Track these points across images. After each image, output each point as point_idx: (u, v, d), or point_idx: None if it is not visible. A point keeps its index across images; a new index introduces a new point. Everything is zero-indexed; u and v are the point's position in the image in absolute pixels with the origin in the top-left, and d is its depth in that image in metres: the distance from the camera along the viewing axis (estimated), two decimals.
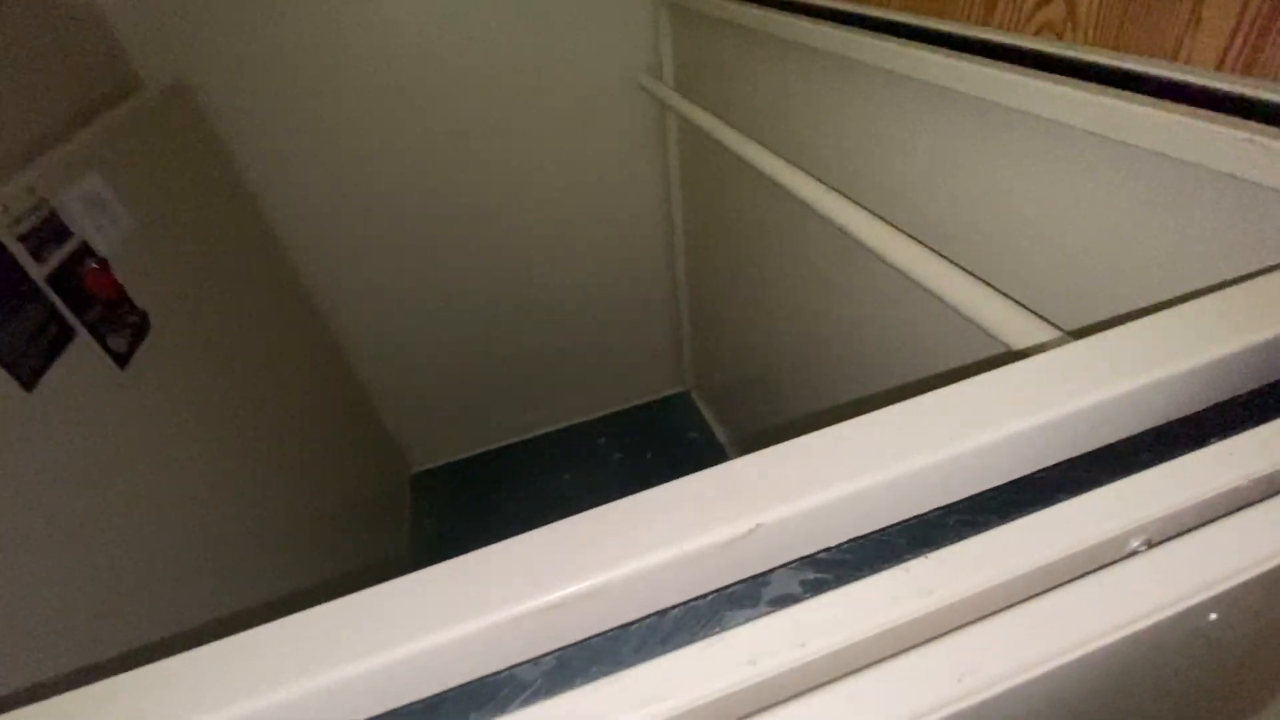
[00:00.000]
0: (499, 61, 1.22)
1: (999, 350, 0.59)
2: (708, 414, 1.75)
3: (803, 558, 0.22)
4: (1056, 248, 0.55)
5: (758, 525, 0.21)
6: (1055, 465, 0.23)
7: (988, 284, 0.59)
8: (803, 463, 0.22)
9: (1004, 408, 0.22)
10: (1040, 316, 0.53)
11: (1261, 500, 0.21)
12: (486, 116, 1.27)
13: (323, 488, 1.19)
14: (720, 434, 1.68)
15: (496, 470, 1.72)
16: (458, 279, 1.45)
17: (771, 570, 0.22)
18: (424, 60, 1.19)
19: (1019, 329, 0.50)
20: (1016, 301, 0.55)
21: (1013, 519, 0.21)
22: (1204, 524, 0.20)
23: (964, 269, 0.61)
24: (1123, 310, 0.50)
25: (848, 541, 0.22)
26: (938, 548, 0.21)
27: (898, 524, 0.23)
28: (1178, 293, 0.44)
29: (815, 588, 0.21)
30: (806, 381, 1.12)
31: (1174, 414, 0.24)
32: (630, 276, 1.60)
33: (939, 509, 0.23)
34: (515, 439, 1.78)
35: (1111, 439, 0.23)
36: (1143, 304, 0.47)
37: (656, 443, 1.73)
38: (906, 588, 0.20)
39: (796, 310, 1.08)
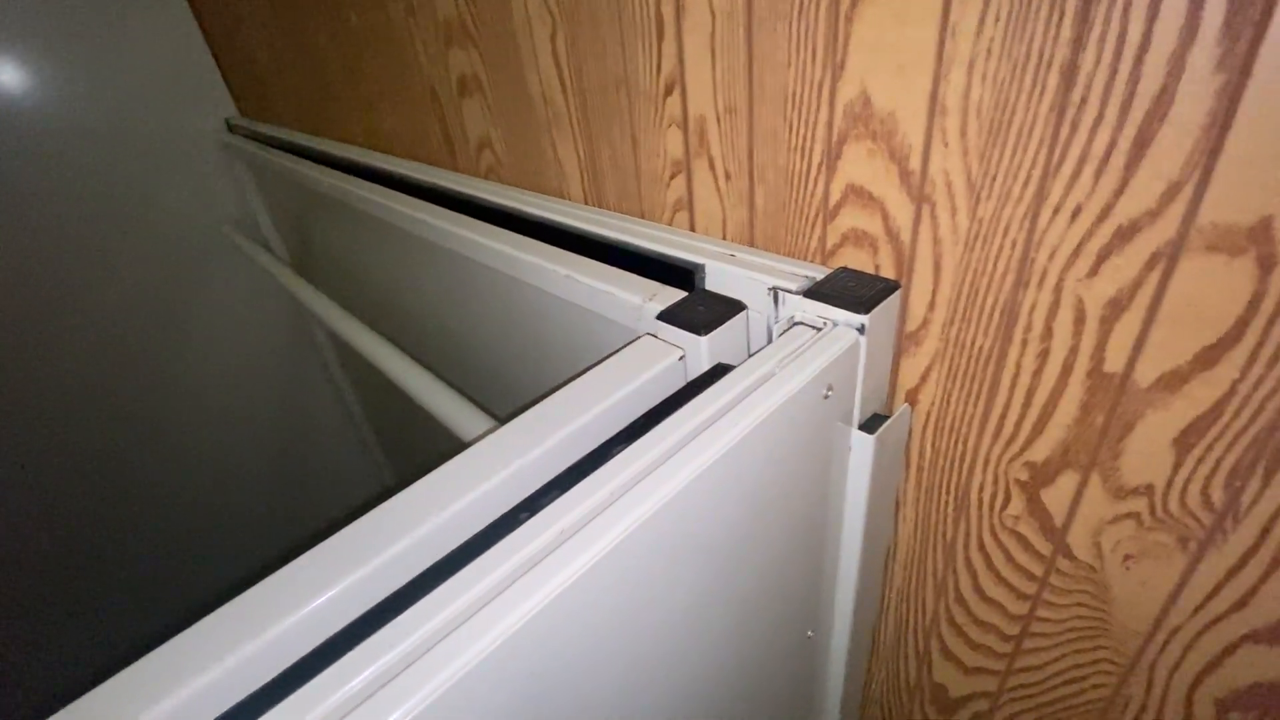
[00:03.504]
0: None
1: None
2: None
3: None
4: (519, 360, 0.66)
5: None
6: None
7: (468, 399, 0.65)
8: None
9: (445, 491, 0.31)
10: (487, 411, 0.62)
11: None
12: None
13: None
14: None
15: None
16: None
17: None
18: None
19: (469, 425, 0.60)
20: (475, 403, 0.63)
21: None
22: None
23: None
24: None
25: None
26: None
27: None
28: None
29: None
30: None
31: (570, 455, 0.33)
32: None
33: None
34: None
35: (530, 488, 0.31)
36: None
37: None
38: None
39: None
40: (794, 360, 0.34)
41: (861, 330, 0.35)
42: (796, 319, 0.38)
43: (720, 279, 0.42)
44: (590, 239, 0.50)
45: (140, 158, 1.19)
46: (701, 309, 0.39)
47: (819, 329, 0.36)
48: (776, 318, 0.40)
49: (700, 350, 0.38)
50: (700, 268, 0.43)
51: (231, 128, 1.25)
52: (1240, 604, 0.33)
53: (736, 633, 0.39)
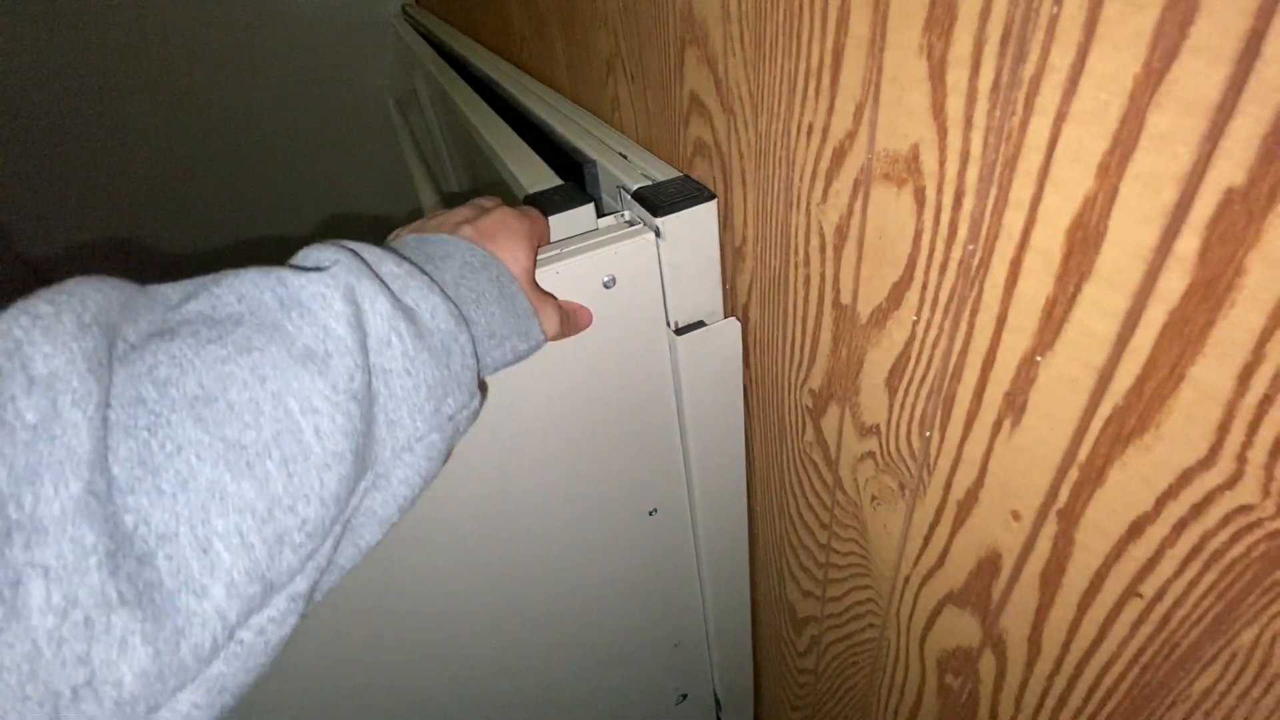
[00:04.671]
0: None
1: None
2: None
3: None
4: None
5: None
6: None
7: None
8: None
9: None
10: None
11: None
12: None
13: None
14: None
15: None
16: None
17: None
18: None
19: None
20: None
21: None
22: None
23: None
24: None
25: None
26: None
27: None
28: None
29: None
30: None
31: None
32: None
33: None
34: None
35: None
36: None
37: None
38: None
39: None
40: (579, 247, 0.38)
41: (657, 233, 0.38)
42: (625, 217, 0.41)
43: (605, 175, 0.46)
44: (533, 126, 0.56)
45: (328, 35, 1.42)
46: (557, 198, 0.44)
47: (632, 225, 0.39)
48: (621, 214, 0.43)
49: None
50: (593, 163, 0.47)
51: (407, 14, 1.42)
52: (940, 561, 0.33)
53: (567, 510, 0.46)
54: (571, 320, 0.36)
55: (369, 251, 0.26)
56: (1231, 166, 0.15)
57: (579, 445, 0.45)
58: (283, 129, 1.50)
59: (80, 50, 1.29)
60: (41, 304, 0.17)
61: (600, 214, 0.45)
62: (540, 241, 0.36)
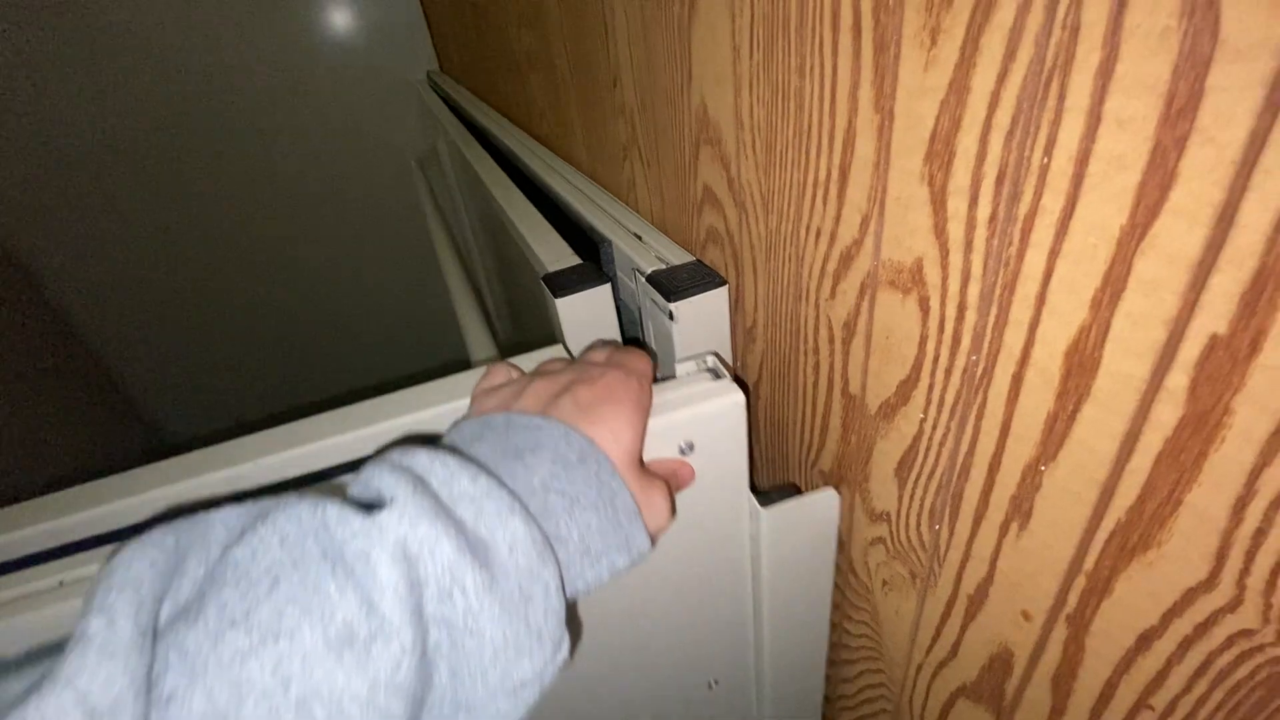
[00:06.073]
0: None
1: None
2: None
3: None
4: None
5: None
6: None
7: None
8: None
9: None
10: None
11: None
12: None
13: None
14: None
15: None
16: None
17: None
18: None
19: None
20: None
21: None
22: None
23: None
24: None
25: None
26: None
27: None
28: None
29: None
30: None
31: None
32: None
33: None
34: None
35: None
36: None
37: None
38: None
39: None
40: (655, 404, 0.32)
41: (670, 316, 0.39)
42: (707, 364, 0.36)
43: (620, 255, 0.48)
44: (549, 199, 0.58)
45: (360, 97, 1.49)
46: (574, 277, 0.46)
47: (715, 376, 0.34)
48: (636, 294, 0.44)
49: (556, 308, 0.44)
50: (609, 243, 0.49)
51: (431, 80, 1.49)
52: (953, 652, 0.33)
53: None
54: (675, 486, 0.32)
55: (441, 465, 0.23)
56: (1214, 316, 0.17)
57: (636, 614, 0.40)
58: (310, 189, 1.56)
59: (116, 103, 1.36)
60: (93, 620, 0.17)
61: (616, 293, 0.47)
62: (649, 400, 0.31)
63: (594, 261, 0.49)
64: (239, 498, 0.23)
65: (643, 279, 0.43)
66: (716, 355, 0.36)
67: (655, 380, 0.33)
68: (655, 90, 0.43)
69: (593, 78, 0.53)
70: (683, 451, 0.32)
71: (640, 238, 0.48)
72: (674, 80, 0.40)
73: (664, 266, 0.43)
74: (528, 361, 0.40)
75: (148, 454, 1.77)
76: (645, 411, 0.29)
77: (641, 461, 0.29)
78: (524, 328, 0.81)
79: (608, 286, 0.45)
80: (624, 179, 0.54)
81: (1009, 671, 0.29)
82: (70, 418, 1.49)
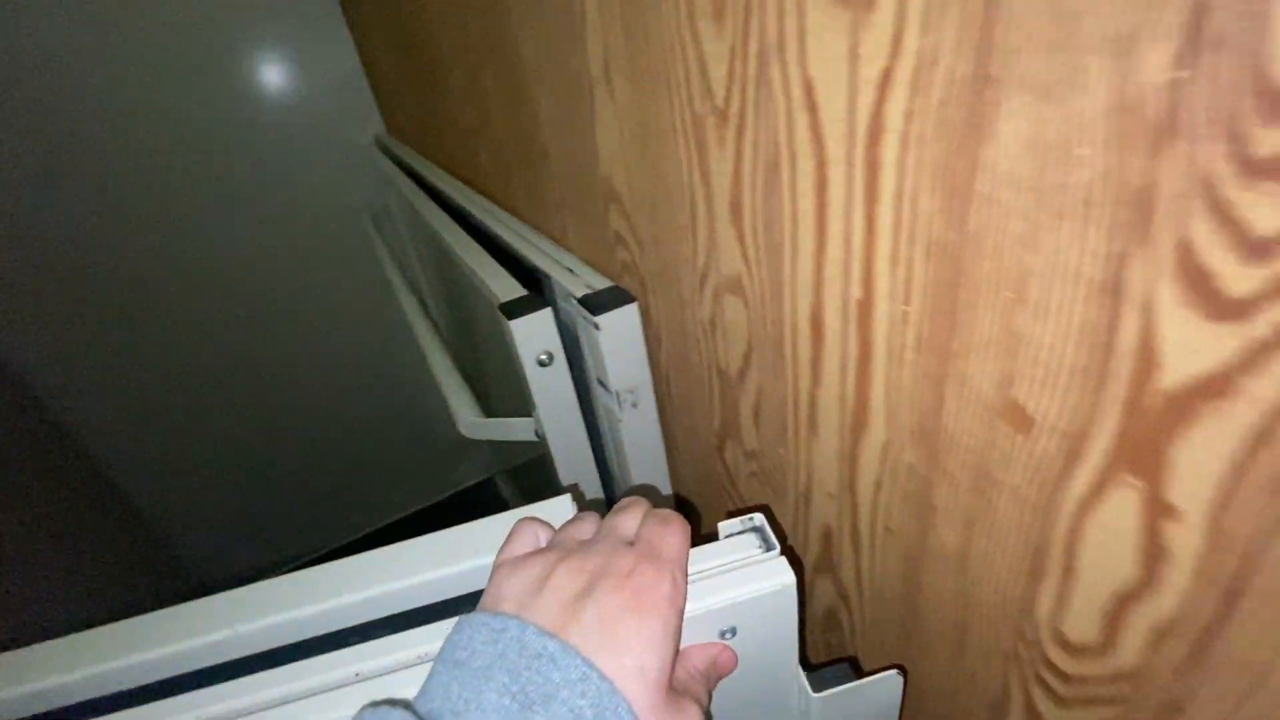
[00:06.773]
0: None
1: None
2: None
3: None
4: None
5: None
6: None
7: None
8: None
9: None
10: None
11: None
12: None
13: None
14: None
15: None
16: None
17: None
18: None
19: None
20: None
21: None
22: None
23: None
24: None
25: None
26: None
27: None
28: None
29: None
30: None
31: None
32: None
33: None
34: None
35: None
36: None
37: None
38: None
39: None
40: (694, 589, 0.29)
41: (596, 327, 0.54)
42: (755, 542, 0.31)
43: (559, 285, 0.62)
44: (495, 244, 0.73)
45: (309, 158, 1.60)
46: (523, 304, 0.60)
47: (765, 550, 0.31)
48: (571, 314, 0.59)
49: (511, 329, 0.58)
50: (549, 276, 0.63)
51: (379, 143, 1.63)
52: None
53: None
54: (714, 676, 0.29)
55: None
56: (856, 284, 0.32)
57: None
58: (267, 249, 1.65)
59: (75, 171, 1.44)
60: None
61: (557, 315, 0.61)
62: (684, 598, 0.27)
63: (537, 292, 0.64)
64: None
65: (575, 301, 0.57)
66: (766, 512, 0.32)
67: (694, 544, 0.30)
68: (574, 163, 0.58)
69: (528, 149, 0.68)
70: (724, 635, 0.29)
71: (572, 271, 0.63)
72: (587, 157, 0.55)
73: (591, 291, 0.58)
74: (546, 511, 0.38)
75: None
76: (677, 628, 0.26)
77: (670, 686, 0.25)
78: (480, 353, 0.94)
79: (549, 310, 0.59)
80: (558, 226, 0.69)
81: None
82: None
